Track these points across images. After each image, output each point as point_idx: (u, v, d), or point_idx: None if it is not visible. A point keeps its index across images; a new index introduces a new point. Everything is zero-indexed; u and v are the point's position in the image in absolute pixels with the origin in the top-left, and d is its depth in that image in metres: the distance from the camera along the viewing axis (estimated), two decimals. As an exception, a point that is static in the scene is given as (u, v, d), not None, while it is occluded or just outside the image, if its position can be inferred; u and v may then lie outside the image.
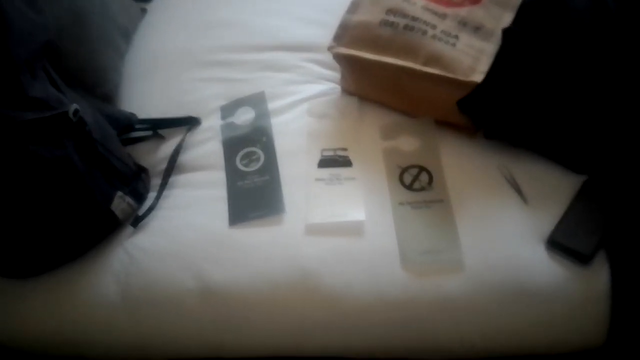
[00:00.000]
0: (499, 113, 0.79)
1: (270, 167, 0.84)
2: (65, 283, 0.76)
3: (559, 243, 0.72)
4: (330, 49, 0.86)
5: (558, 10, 0.81)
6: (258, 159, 0.85)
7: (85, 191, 0.73)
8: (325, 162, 0.84)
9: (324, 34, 0.89)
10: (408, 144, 0.84)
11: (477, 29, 0.83)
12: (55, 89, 0.75)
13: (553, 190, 0.77)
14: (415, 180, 0.80)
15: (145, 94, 0.97)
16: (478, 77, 0.77)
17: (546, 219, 0.74)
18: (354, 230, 0.76)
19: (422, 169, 0.81)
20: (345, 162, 0.84)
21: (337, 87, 0.93)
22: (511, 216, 0.76)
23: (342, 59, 0.87)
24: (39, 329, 0.75)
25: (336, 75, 0.93)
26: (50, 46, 0.85)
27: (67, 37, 0.90)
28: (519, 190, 0.77)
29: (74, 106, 0.72)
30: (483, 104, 0.78)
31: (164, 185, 0.83)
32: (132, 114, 0.91)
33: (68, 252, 0.76)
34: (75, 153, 0.71)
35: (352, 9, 0.88)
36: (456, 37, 0.82)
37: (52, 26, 0.87)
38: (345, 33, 0.86)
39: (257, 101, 0.92)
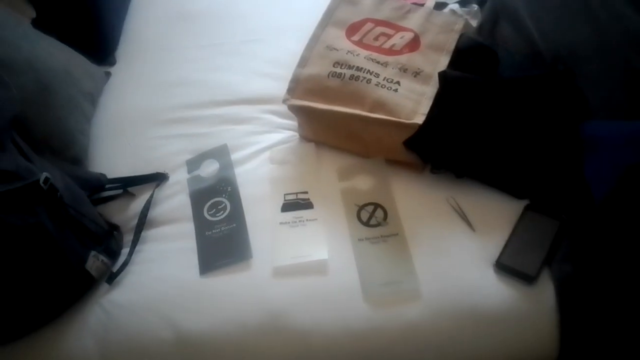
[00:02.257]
0: (442, 149, 0.86)
1: (236, 215, 0.89)
2: (45, 343, 0.78)
3: (506, 266, 0.78)
4: (284, 101, 0.93)
5: (487, 54, 0.89)
6: (224, 208, 0.90)
7: (59, 254, 0.76)
8: (288, 206, 0.89)
9: (279, 86, 0.96)
10: (363, 183, 0.90)
11: (416, 74, 0.91)
12: (25, 158, 0.78)
13: (497, 217, 0.84)
14: (372, 217, 0.86)
15: (113, 153, 1.01)
16: (419, 119, 0.84)
17: (493, 244, 0.81)
18: (318, 269, 0.81)
19: (377, 205, 0.87)
20: (306, 205, 0.89)
21: (295, 135, 0.99)
22: (461, 244, 0.82)
23: (296, 110, 0.94)
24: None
25: (293, 123, 1.00)
26: (18, 118, 0.90)
27: (33, 105, 0.93)
28: (466, 219, 0.84)
29: (44, 174, 0.75)
30: (427, 142, 0.85)
31: (136, 241, 0.86)
32: (102, 175, 0.95)
33: (46, 314, 0.78)
34: (47, 219, 0.74)
35: (302, 63, 0.95)
36: (398, 83, 0.89)
37: (19, 97, 0.91)
38: (297, 86, 0.93)
39: (220, 153, 0.97)
